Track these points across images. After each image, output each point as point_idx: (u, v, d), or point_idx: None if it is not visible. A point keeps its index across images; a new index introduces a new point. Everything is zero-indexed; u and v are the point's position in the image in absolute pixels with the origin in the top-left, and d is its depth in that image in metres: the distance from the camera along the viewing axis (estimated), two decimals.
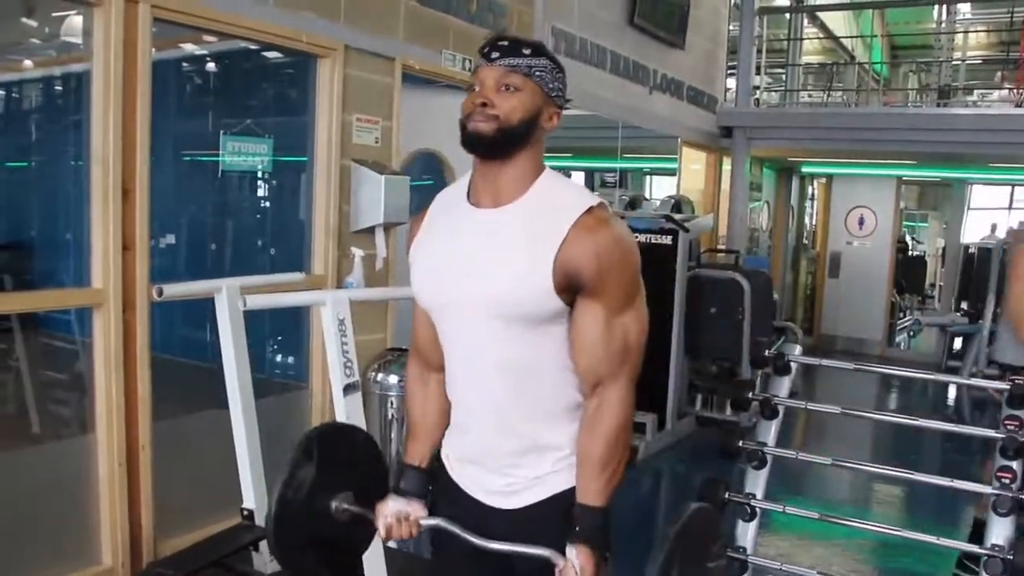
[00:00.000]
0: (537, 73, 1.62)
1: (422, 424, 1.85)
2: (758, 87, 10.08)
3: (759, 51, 9.34)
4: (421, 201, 4.51)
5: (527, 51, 1.63)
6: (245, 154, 3.89)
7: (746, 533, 2.99)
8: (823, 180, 10.65)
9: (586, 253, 1.55)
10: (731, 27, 8.65)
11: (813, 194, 11.27)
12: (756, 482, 3.04)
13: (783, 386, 3.20)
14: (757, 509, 2.99)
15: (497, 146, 1.60)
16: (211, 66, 4.63)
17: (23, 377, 4.00)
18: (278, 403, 4.17)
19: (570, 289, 1.57)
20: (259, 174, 4.15)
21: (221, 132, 3.77)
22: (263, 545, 3.18)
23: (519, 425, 1.67)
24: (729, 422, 6.05)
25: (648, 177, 10.24)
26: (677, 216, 6.07)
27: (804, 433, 6.36)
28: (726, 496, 3.02)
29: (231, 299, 3.00)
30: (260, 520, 3.18)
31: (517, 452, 1.68)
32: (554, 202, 1.61)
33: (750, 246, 9.18)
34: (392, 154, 4.38)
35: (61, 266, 4.03)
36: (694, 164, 8.38)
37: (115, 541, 3.21)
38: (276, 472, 1.71)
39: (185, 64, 4.59)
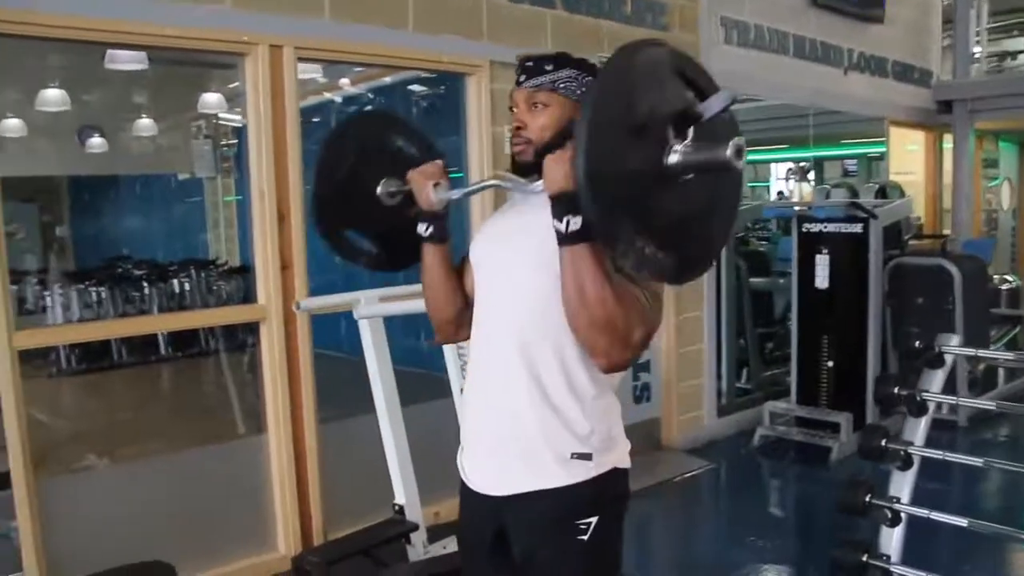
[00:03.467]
0: (561, 85, 1.73)
1: None
2: (991, 55, 9.13)
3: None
4: None
5: (549, 67, 1.74)
6: None
7: (890, 540, 2.80)
8: None
9: None
10: None
11: None
12: (901, 485, 2.83)
13: (935, 381, 2.95)
14: (902, 514, 2.79)
15: (540, 165, 1.69)
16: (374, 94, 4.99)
17: (227, 385, 4.51)
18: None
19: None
20: None
21: None
22: (414, 536, 3.39)
23: (527, 388, 1.67)
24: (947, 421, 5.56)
25: (876, 163, 9.59)
26: (876, 202, 5.67)
27: None
28: (867, 500, 2.84)
29: (378, 310, 3.24)
30: (411, 515, 3.40)
31: (523, 419, 1.68)
32: None
33: (987, 228, 8.35)
34: None
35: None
36: (910, 145, 7.76)
37: (287, 531, 3.57)
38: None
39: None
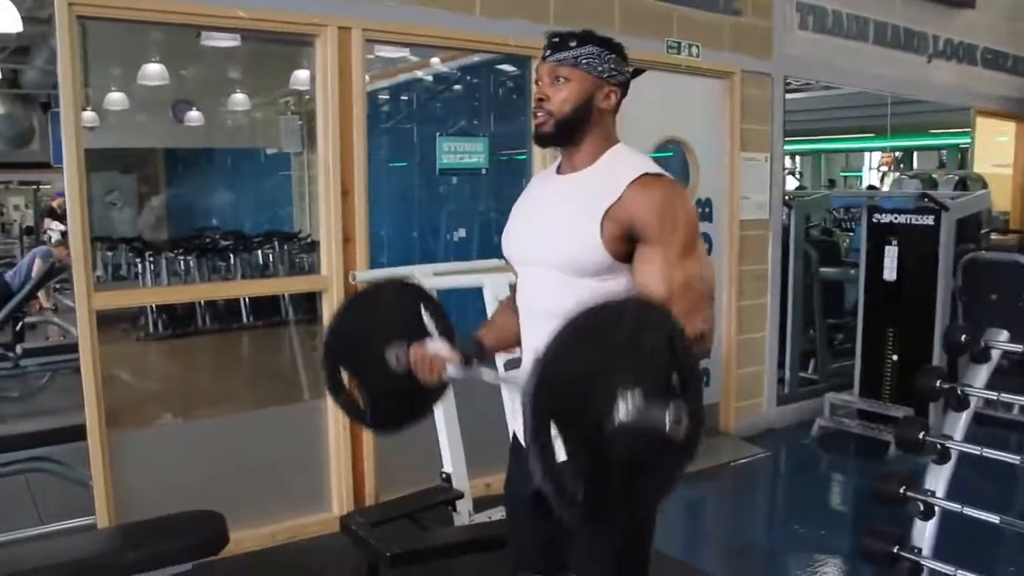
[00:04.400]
0: (584, 61, 1.80)
1: (498, 319, 2.07)
2: None
3: None
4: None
5: (573, 43, 1.82)
6: (465, 152, 4.29)
7: (923, 532, 2.79)
8: None
9: (641, 205, 1.70)
10: None
11: None
12: (937, 478, 2.82)
13: (979, 375, 2.92)
14: (936, 508, 2.78)
15: (559, 137, 1.83)
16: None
17: (298, 352, 4.74)
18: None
19: (625, 239, 1.71)
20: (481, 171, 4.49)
21: (437, 135, 4.20)
22: (460, 504, 3.52)
23: None
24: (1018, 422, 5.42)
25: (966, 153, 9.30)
26: (950, 194, 5.54)
27: None
28: (902, 491, 2.84)
29: (427, 283, 3.37)
30: (457, 484, 3.53)
31: None
32: (618, 167, 1.79)
33: None
34: None
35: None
36: (1001, 136, 7.50)
37: (340, 493, 3.76)
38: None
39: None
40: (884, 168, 12.22)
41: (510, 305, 2.03)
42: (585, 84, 1.80)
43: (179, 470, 3.45)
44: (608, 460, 1.38)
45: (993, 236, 6.68)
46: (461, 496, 3.50)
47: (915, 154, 12.39)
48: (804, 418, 5.58)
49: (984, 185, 6.31)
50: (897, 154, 12.58)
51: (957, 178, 6.26)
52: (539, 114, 1.82)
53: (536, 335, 1.83)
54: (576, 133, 1.81)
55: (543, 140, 1.84)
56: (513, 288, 2.03)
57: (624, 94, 1.88)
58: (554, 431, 1.34)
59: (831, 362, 6.32)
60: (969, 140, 7.03)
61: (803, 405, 5.71)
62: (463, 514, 3.55)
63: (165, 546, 2.49)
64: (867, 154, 13.84)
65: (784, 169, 5.82)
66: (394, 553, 2.93)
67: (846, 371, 6.08)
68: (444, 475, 3.54)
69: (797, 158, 13.06)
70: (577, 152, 1.84)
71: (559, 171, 1.90)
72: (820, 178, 13.26)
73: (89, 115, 7.18)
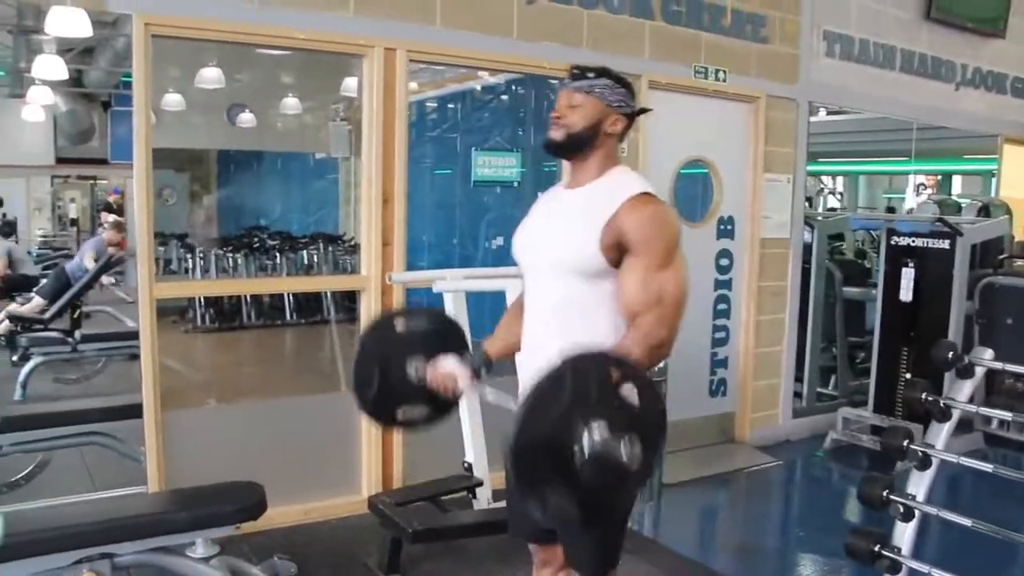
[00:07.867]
0: (597, 90, 2.14)
1: (504, 327, 2.36)
2: None
3: None
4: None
5: (591, 75, 2.16)
6: (499, 167, 4.59)
7: (903, 533, 3.01)
8: None
9: (631, 220, 2.03)
10: None
11: None
12: (919, 483, 3.04)
13: (963, 390, 3.13)
14: (916, 511, 3.00)
15: (567, 148, 2.16)
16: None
17: (337, 347, 5.06)
18: None
19: (617, 248, 2.03)
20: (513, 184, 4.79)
21: (473, 149, 4.50)
22: (479, 491, 3.79)
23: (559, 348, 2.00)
24: None
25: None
26: (967, 219, 5.71)
27: None
28: (885, 495, 3.06)
29: (455, 285, 3.68)
30: (478, 472, 3.80)
31: None
32: (616, 186, 2.11)
33: None
34: (639, 160, 4.72)
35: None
36: None
37: (369, 477, 4.06)
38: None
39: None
40: (929, 190, 12.32)
41: (515, 309, 2.33)
42: (596, 109, 2.12)
43: (222, 448, 3.76)
44: (580, 486, 1.73)
45: (1018, 262, 6.81)
46: (481, 484, 3.78)
47: (953, 178, 12.45)
48: (819, 431, 5.77)
49: (1007, 212, 6.44)
50: (938, 177, 12.67)
51: (980, 204, 6.41)
52: (553, 128, 2.14)
53: (536, 330, 2.18)
54: (583, 149, 2.13)
55: (554, 148, 2.15)
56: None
57: (630, 125, 2.20)
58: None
59: (852, 379, 6.49)
60: (996, 166, 7.16)
61: (819, 419, 5.89)
62: (482, 501, 3.83)
63: (213, 509, 2.80)
64: (911, 176, 13.90)
65: (824, 189, 5.99)
66: (416, 530, 3.22)
67: (866, 389, 6.25)
68: (466, 464, 3.82)
69: (839, 179, 13.20)
70: (582, 169, 2.15)
71: (566, 186, 2.22)
72: (857, 199, 13.35)
73: None
